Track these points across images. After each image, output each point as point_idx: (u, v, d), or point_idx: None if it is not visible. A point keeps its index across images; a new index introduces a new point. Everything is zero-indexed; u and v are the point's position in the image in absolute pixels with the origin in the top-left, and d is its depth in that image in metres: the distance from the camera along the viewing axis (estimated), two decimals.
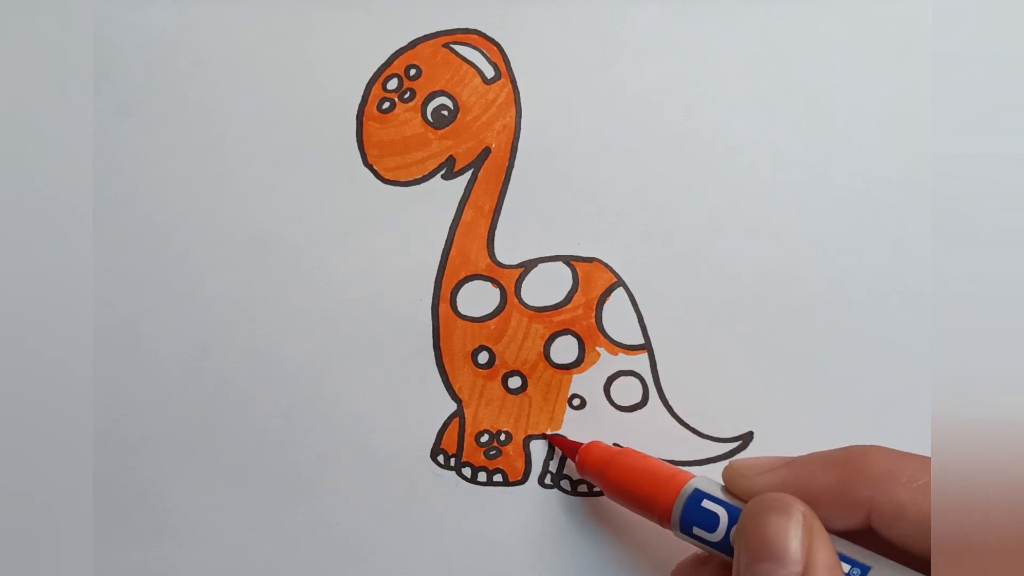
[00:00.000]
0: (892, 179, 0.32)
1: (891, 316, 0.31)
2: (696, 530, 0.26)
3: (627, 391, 0.31)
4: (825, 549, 0.23)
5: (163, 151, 0.32)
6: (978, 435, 0.21)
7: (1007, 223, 0.22)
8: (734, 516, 0.25)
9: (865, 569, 0.23)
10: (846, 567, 0.23)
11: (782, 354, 0.31)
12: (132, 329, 0.31)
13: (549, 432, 0.31)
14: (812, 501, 0.24)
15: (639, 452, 0.29)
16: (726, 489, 0.26)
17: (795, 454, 0.25)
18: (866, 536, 0.24)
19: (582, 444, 0.30)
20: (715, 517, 0.25)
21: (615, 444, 0.31)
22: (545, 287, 0.31)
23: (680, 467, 0.30)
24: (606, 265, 0.31)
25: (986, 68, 0.23)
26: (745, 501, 0.25)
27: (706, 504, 0.25)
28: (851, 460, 0.24)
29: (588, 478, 0.30)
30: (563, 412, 0.31)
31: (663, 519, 0.27)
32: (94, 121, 0.32)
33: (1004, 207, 0.22)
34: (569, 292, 0.31)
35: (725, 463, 0.30)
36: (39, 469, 0.25)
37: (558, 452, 0.31)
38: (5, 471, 0.24)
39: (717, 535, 0.25)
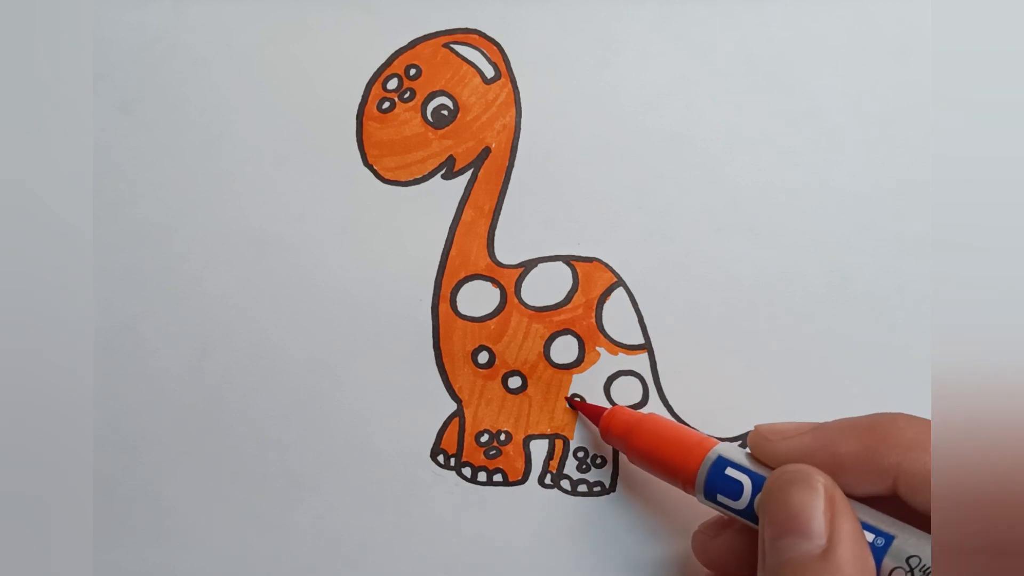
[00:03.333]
0: (892, 179, 0.32)
1: (891, 316, 0.31)
2: (720, 497, 0.26)
3: (627, 391, 0.31)
4: (848, 520, 0.23)
5: (163, 151, 0.32)
6: (978, 435, 0.21)
7: (1007, 223, 0.22)
8: (758, 484, 0.25)
9: (889, 538, 0.23)
10: (870, 536, 0.23)
11: (782, 354, 0.31)
12: (132, 329, 0.31)
13: (570, 396, 0.31)
14: (838, 467, 0.24)
15: (663, 418, 0.29)
16: (751, 455, 0.26)
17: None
18: (890, 502, 0.24)
19: (606, 409, 0.30)
20: (739, 485, 0.25)
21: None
22: (545, 287, 0.31)
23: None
24: (606, 265, 0.31)
25: (986, 68, 0.23)
26: (770, 467, 0.25)
27: (730, 472, 0.26)
28: (878, 427, 0.24)
29: (611, 443, 0.30)
30: (563, 412, 0.31)
31: (687, 485, 0.27)
32: (94, 121, 0.32)
33: (1004, 207, 0.22)
34: (569, 292, 0.31)
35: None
36: (39, 469, 0.25)
37: (558, 452, 0.31)
38: (5, 471, 0.24)
39: (741, 503, 0.25)
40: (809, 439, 0.25)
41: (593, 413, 0.30)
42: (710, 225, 0.31)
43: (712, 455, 0.26)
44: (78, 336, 0.26)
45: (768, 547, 0.23)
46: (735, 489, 0.25)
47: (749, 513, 0.25)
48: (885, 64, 0.32)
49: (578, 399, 0.31)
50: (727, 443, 0.27)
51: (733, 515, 0.26)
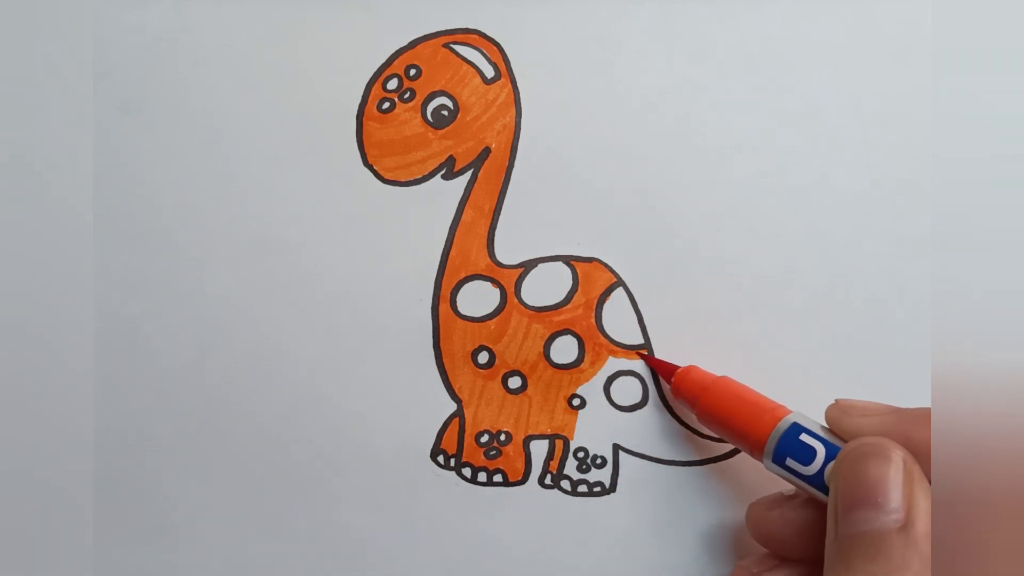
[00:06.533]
0: (892, 179, 0.32)
1: (891, 316, 0.31)
2: (790, 462, 0.26)
3: (627, 391, 0.31)
4: (926, 496, 0.23)
5: (163, 151, 0.32)
6: (978, 434, 0.21)
7: (1007, 223, 0.22)
8: (832, 453, 0.25)
9: None
10: None
11: (782, 354, 0.31)
12: (132, 329, 0.31)
13: (641, 353, 0.31)
14: (914, 453, 0.24)
15: (737, 382, 0.29)
16: (826, 428, 0.26)
17: None
18: None
19: (678, 367, 0.30)
20: (812, 451, 0.25)
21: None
22: (545, 287, 0.31)
23: (689, 465, 0.30)
24: (606, 265, 0.31)
25: (986, 69, 0.23)
26: (845, 441, 0.25)
27: (804, 438, 0.26)
28: None
29: (682, 402, 0.30)
30: (563, 412, 0.31)
31: (755, 449, 0.27)
32: (94, 121, 0.32)
33: (1004, 207, 0.22)
34: (569, 292, 0.31)
35: (728, 461, 0.30)
36: (39, 469, 0.25)
37: (558, 452, 0.31)
38: (5, 471, 0.24)
39: (812, 469, 0.25)
40: (888, 420, 0.25)
41: (665, 370, 0.30)
42: (710, 225, 0.31)
43: (787, 421, 0.26)
44: (78, 336, 0.26)
45: (841, 518, 0.23)
46: (807, 455, 0.25)
47: (818, 481, 0.25)
48: (885, 64, 0.32)
49: (578, 400, 0.31)
50: (802, 413, 0.27)
51: (799, 482, 0.26)
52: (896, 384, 0.31)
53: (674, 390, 0.30)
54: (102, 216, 0.32)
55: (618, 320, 0.31)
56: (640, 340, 0.31)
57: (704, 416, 0.29)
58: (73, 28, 0.26)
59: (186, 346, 0.31)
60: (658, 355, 0.31)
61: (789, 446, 0.26)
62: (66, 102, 0.26)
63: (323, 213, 0.32)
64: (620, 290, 0.31)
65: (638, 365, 0.31)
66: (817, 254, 0.31)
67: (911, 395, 0.31)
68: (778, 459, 0.26)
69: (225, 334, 0.31)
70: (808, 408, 0.28)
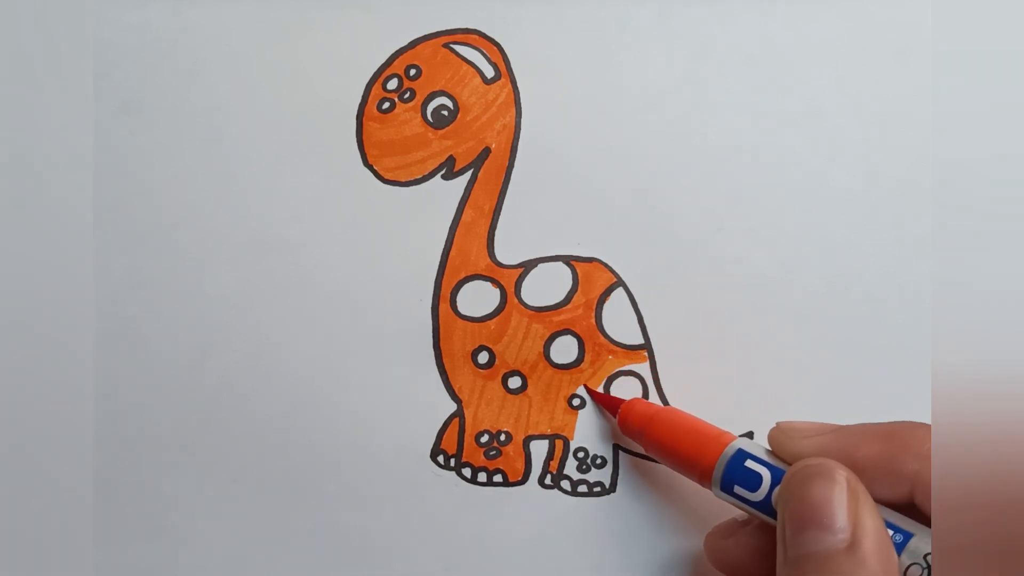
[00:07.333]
0: (892, 179, 0.32)
1: (891, 316, 0.31)
2: (737, 489, 0.26)
3: (627, 391, 0.31)
4: (871, 514, 0.23)
5: (163, 151, 0.32)
6: (978, 435, 0.21)
7: (1007, 223, 0.22)
8: (777, 478, 0.25)
9: (908, 535, 0.23)
10: (889, 532, 0.23)
11: (782, 354, 0.31)
12: (132, 329, 0.31)
13: (588, 387, 0.31)
14: (857, 470, 0.24)
15: (682, 411, 0.29)
16: (770, 452, 0.26)
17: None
18: (906, 510, 0.24)
19: (623, 400, 0.30)
20: (758, 477, 0.25)
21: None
22: (545, 287, 0.31)
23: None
24: (606, 265, 0.31)
25: (986, 68, 0.23)
26: (789, 464, 0.25)
27: (749, 464, 0.26)
28: (899, 434, 0.24)
29: (629, 435, 0.30)
30: (563, 412, 0.31)
31: (703, 478, 0.27)
32: (94, 121, 0.32)
33: (1004, 207, 0.22)
34: (569, 292, 0.31)
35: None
36: (39, 469, 0.25)
37: (558, 452, 0.31)
38: (5, 471, 0.24)
39: (759, 495, 0.25)
40: (830, 439, 0.25)
41: (610, 404, 0.30)
42: (710, 225, 0.31)
43: (732, 448, 0.26)
44: (78, 336, 0.26)
45: (789, 540, 0.23)
46: (753, 481, 0.25)
47: (766, 506, 0.25)
48: (885, 64, 0.32)
49: (578, 400, 0.31)
50: (746, 439, 0.27)
51: (748, 508, 0.26)
52: (896, 384, 0.31)
53: (620, 425, 0.30)
54: (102, 216, 0.32)
55: (618, 320, 0.31)
56: (640, 340, 0.31)
57: (651, 448, 0.29)
58: (73, 28, 0.26)
59: (186, 346, 0.31)
60: (658, 355, 0.31)
61: (735, 473, 0.26)
62: (66, 102, 0.26)
63: (323, 213, 0.32)
64: (620, 290, 0.31)
65: (638, 365, 0.31)
66: (817, 254, 0.31)
67: (911, 395, 0.31)
68: (726, 487, 0.26)
69: (225, 334, 0.31)
70: (808, 409, 0.28)
